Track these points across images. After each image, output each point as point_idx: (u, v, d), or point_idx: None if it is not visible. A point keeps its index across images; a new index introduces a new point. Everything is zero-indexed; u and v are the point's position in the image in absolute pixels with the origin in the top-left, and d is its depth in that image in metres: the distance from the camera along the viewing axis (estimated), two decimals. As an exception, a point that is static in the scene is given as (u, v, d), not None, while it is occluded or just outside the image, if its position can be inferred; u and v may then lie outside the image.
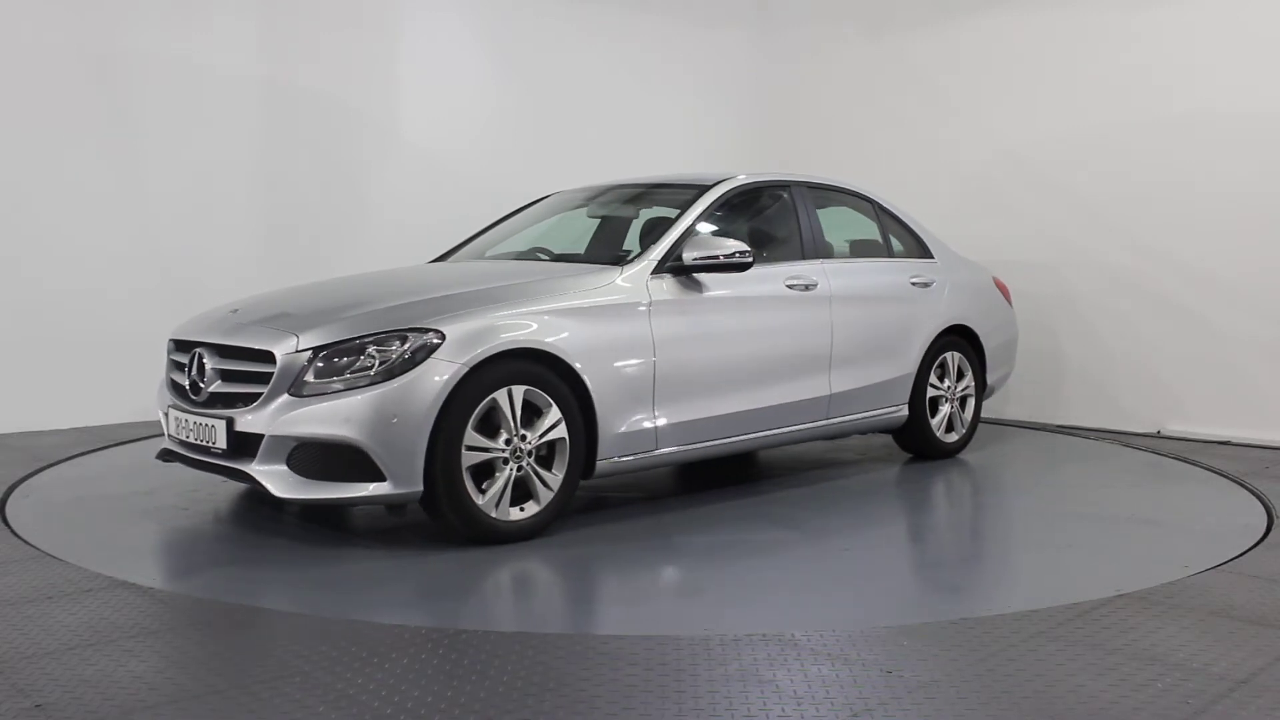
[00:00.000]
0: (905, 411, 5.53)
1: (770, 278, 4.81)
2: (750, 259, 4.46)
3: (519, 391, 3.82)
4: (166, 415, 4.18)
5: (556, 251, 5.11)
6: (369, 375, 3.64)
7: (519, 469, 3.84)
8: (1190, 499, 4.91)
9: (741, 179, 5.08)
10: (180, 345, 4.24)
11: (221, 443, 3.79)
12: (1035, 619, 3.04)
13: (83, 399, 6.29)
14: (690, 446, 4.46)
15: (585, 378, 4.00)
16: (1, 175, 6.08)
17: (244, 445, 3.74)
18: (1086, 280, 7.04)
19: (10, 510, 4.30)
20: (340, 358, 3.69)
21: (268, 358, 3.76)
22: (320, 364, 3.69)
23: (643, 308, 4.28)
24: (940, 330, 5.68)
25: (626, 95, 8.49)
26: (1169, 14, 6.64)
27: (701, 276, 4.51)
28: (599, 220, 5.43)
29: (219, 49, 6.75)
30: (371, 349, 3.69)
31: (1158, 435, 6.61)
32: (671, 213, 4.88)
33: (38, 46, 6.13)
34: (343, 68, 7.27)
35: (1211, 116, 6.46)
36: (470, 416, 3.70)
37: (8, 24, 6.05)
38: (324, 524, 4.17)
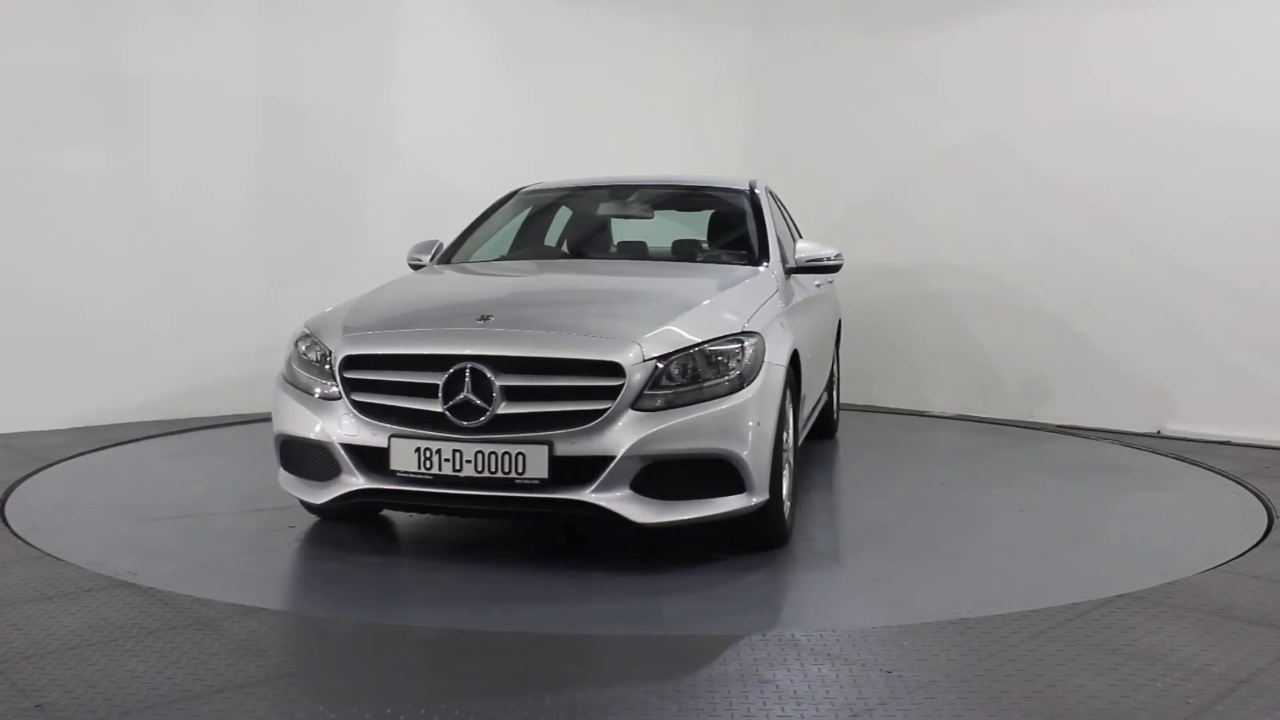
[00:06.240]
0: (827, 396, 5.93)
1: (808, 276, 4.97)
2: (842, 260, 4.64)
3: (788, 393, 3.80)
4: (385, 449, 3.38)
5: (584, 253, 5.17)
6: (713, 384, 3.40)
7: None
8: (1190, 499, 4.91)
9: (762, 181, 5.27)
10: (410, 361, 3.44)
11: (539, 472, 3.26)
12: (1035, 619, 3.04)
13: (83, 399, 6.29)
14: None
15: (803, 375, 4.04)
16: (3, 180, 6.08)
17: (570, 472, 3.29)
18: (1086, 280, 7.03)
19: (10, 510, 4.29)
20: (679, 366, 3.40)
21: (611, 370, 3.32)
22: (661, 374, 3.36)
23: (797, 306, 4.41)
24: (837, 324, 6.23)
25: (626, 96, 8.47)
26: (1173, 14, 6.64)
27: (802, 276, 4.70)
28: (619, 219, 5.43)
29: (220, 56, 6.74)
30: (701, 355, 3.44)
31: (1158, 435, 6.60)
32: (689, 214, 5.21)
33: (39, 54, 6.11)
34: (342, 74, 7.26)
35: (1213, 116, 6.46)
36: (781, 419, 3.61)
37: (9, 32, 6.03)
38: (329, 525, 4.17)
